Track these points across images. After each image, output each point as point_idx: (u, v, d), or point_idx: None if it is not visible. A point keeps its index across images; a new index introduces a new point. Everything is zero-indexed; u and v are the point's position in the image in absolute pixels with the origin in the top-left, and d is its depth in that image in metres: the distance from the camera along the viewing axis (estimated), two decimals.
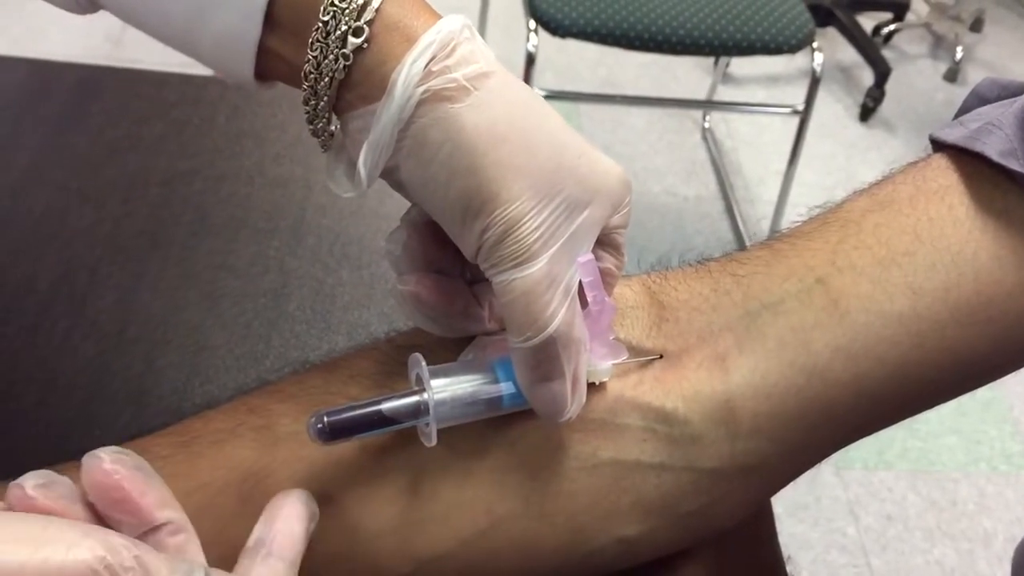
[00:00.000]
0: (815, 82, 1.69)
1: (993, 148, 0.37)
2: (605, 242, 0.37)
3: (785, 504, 1.50)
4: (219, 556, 0.34)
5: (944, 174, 0.38)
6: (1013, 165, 0.36)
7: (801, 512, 1.49)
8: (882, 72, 2.34)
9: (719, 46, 1.59)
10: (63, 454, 0.35)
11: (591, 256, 0.35)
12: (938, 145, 0.40)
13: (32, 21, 2.20)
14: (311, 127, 0.35)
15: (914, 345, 0.36)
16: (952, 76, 2.51)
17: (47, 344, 0.57)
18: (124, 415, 0.54)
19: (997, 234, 0.36)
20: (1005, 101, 0.40)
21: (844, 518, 1.50)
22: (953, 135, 0.39)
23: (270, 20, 0.34)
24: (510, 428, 0.37)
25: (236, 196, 0.69)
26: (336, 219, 0.68)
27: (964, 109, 0.42)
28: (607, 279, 0.37)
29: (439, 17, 0.34)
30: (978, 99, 0.42)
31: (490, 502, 0.36)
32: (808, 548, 1.46)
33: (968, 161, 0.38)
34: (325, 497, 0.35)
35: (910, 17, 2.71)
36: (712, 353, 0.37)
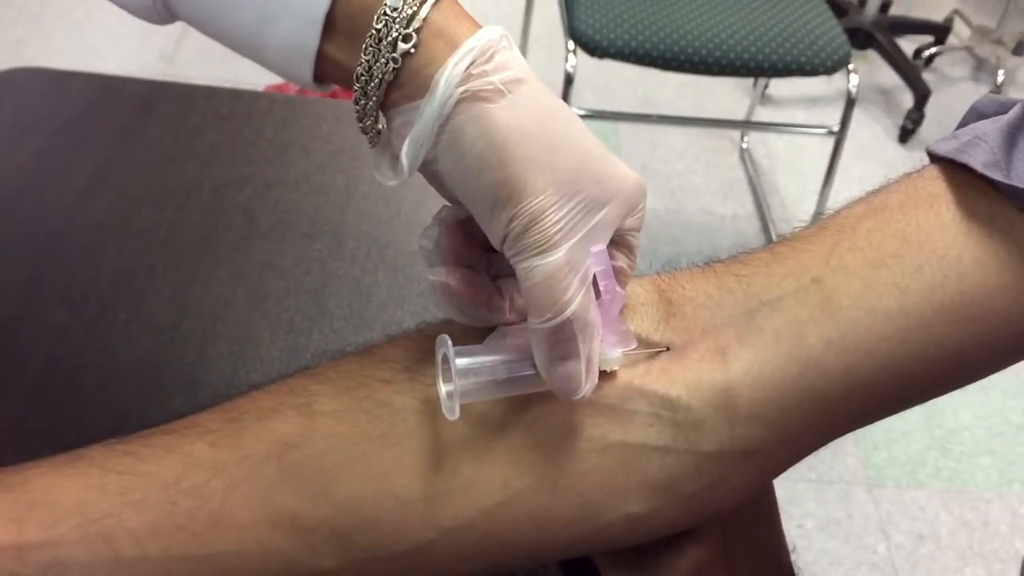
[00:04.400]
0: (851, 103, 1.69)
1: (978, 160, 0.38)
2: (619, 242, 0.39)
3: (816, 520, 1.49)
4: (263, 518, 0.38)
5: (934, 183, 0.40)
6: (996, 175, 0.37)
7: (832, 528, 1.49)
8: (921, 94, 2.33)
9: (755, 67, 1.59)
10: (123, 433, 0.38)
11: (604, 247, 0.37)
12: (932, 156, 0.42)
13: (89, 41, 2.27)
14: (360, 125, 0.38)
15: (901, 341, 0.37)
16: None
17: (109, 335, 0.60)
18: (177, 400, 0.56)
19: (980, 239, 0.38)
20: (996, 117, 0.42)
21: (875, 536, 1.49)
22: (944, 147, 0.41)
23: (328, 28, 0.36)
24: (527, 411, 0.39)
25: (283, 202, 0.71)
26: (374, 224, 0.70)
27: (963, 123, 0.44)
28: (620, 277, 0.39)
29: (480, 27, 0.36)
30: (976, 114, 0.43)
31: (507, 478, 0.38)
32: (838, 564, 1.46)
33: (956, 172, 0.40)
34: (358, 468, 0.38)
35: (952, 40, 2.69)
36: (714, 346, 0.39)
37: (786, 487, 1.53)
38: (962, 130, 0.43)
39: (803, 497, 1.52)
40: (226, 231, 0.69)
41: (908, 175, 0.42)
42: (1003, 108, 0.43)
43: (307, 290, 0.65)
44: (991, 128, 0.40)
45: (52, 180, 0.71)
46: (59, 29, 2.32)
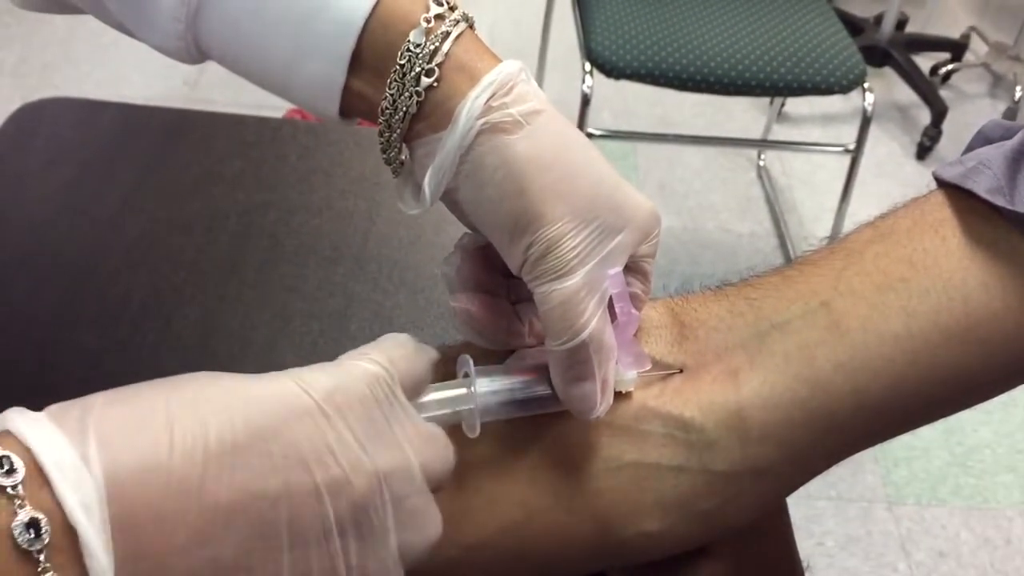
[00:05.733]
0: (866, 121, 1.69)
1: (982, 186, 0.39)
2: (634, 269, 0.40)
3: (836, 538, 1.49)
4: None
5: (939, 209, 0.41)
6: (999, 201, 0.38)
7: (852, 546, 1.48)
8: (938, 111, 2.33)
9: (771, 87, 1.60)
10: None
11: (620, 271, 0.38)
12: (939, 181, 0.43)
13: (114, 67, 2.31)
14: (384, 156, 0.39)
15: (908, 362, 0.38)
16: (1011, 116, 2.45)
17: (138, 355, 0.61)
18: None
19: (985, 263, 0.39)
20: (1001, 142, 0.43)
21: (895, 553, 1.49)
22: (950, 173, 0.41)
23: (354, 64, 0.38)
24: (545, 432, 0.40)
25: (306, 227, 0.73)
26: (395, 248, 0.71)
27: (969, 148, 0.44)
28: (635, 302, 0.40)
29: (500, 61, 0.38)
30: (983, 139, 0.44)
31: (526, 496, 0.39)
32: None
33: (961, 197, 0.40)
34: None
35: (968, 57, 2.69)
36: (726, 368, 0.40)
37: (806, 505, 1.53)
38: (968, 155, 0.44)
39: (823, 515, 1.52)
40: (252, 255, 0.70)
41: (915, 200, 0.43)
42: (1009, 133, 0.44)
43: (330, 313, 0.66)
44: (996, 154, 0.41)
45: (83, 206, 0.73)
46: (86, 54, 2.36)
